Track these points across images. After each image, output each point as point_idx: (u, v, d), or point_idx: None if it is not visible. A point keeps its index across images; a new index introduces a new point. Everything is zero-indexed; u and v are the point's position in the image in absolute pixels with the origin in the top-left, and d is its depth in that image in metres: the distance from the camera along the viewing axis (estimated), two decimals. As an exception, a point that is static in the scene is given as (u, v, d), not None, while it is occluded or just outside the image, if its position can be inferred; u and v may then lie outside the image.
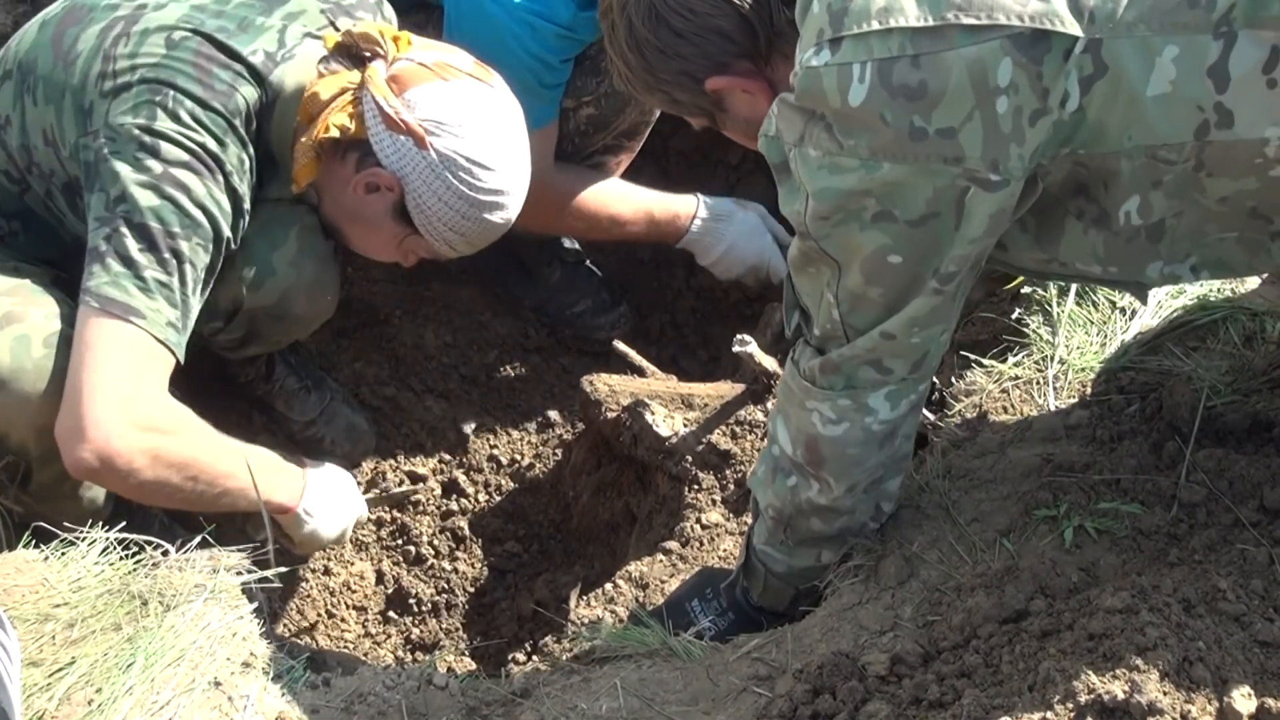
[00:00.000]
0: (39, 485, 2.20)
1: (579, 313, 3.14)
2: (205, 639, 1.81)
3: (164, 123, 2.10)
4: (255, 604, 1.94)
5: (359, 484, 2.75)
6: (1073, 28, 1.56)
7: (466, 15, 2.59)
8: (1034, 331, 2.38)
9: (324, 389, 2.87)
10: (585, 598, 2.48)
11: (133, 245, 2.07)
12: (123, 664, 1.74)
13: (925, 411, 2.27)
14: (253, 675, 1.81)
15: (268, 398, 2.82)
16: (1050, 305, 2.40)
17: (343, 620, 2.78)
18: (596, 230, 2.92)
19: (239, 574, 1.95)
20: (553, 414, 3.07)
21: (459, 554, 2.89)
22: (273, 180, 2.27)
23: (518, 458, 3.01)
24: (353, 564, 2.85)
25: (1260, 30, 1.53)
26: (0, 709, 1.53)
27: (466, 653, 2.71)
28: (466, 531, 2.91)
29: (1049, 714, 1.53)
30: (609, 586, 2.46)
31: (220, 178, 2.13)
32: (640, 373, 2.80)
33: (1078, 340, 2.35)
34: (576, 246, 3.14)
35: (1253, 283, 2.30)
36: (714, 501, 2.56)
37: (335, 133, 2.18)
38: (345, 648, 2.73)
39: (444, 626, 2.81)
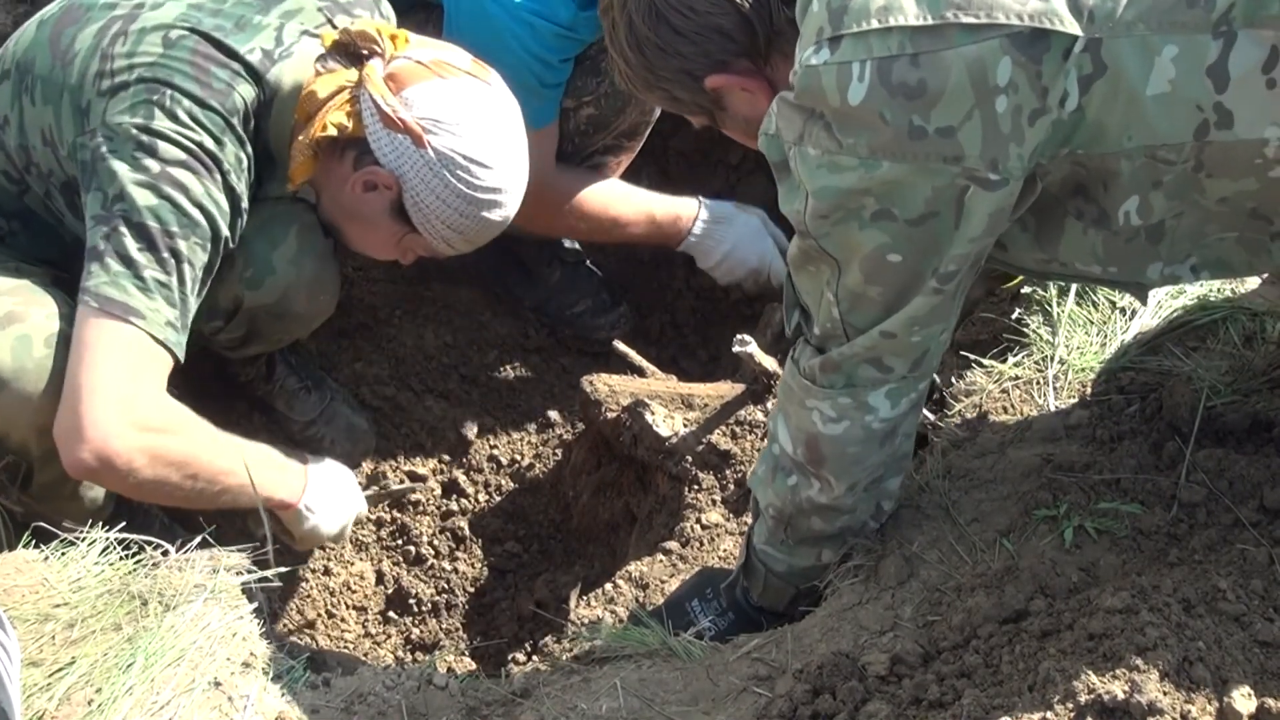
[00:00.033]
0: (40, 485, 2.20)
1: (579, 313, 3.14)
2: (205, 639, 1.81)
3: (161, 122, 2.10)
4: (255, 604, 1.94)
5: (359, 483, 2.75)
6: (1072, 27, 1.56)
7: (466, 14, 2.59)
8: (1034, 331, 2.38)
9: (324, 389, 2.87)
10: (585, 598, 2.48)
11: (131, 245, 2.07)
12: (123, 664, 1.74)
13: (925, 411, 2.27)
14: (253, 675, 1.81)
15: (268, 398, 2.82)
16: (1050, 305, 2.40)
17: (343, 620, 2.78)
18: (598, 232, 2.91)
19: (239, 574, 1.95)
20: (553, 414, 3.07)
21: (459, 554, 2.89)
22: (271, 179, 2.27)
23: (518, 458, 3.01)
24: (353, 564, 2.85)
25: (1260, 30, 1.53)
26: (0, 709, 1.53)
27: (466, 653, 2.71)
28: (466, 531, 2.91)
29: (1049, 714, 1.52)
30: (609, 586, 2.46)
31: (218, 176, 2.13)
32: (640, 373, 2.80)
33: (1078, 340, 2.35)
34: (576, 246, 3.14)
35: (1253, 283, 2.30)
36: (714, 501, 2.56)
37: (333, 131, 2.18)
38: (345, 648, 2.73)
39: (444, 626, 2.81)
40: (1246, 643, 1.61)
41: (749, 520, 2.20)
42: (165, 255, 2.08)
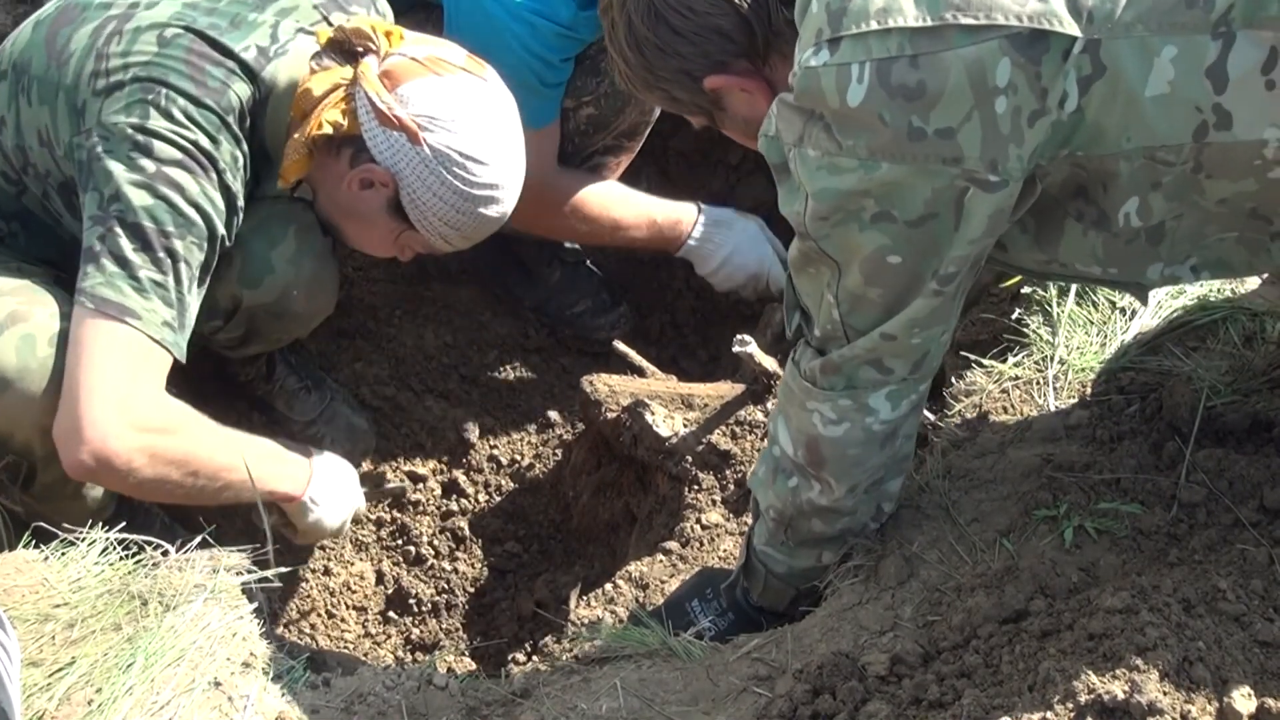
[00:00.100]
0: (42, 485, 2.20)
1: (579, 313, 3.14)
2: (205, 639, 1.81)
3: (157, 121, 2.10)
4: (255, 604, 1.94)
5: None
6: (1071, 28, 1.56)
7: (466, 14, 2.59)
8: (1034, 331, 2.38)
9: (324, 389, 2.87)
10: (585, 598, 2.48)
11: (127, 245, 2.07)
12: (123, 664, 1.74)
13: (925, 411, 2.27)
14: (253, 675, 1.81)
15: (268, 398, 2.82)
16: (1050, 305, 2.40)
17: (343, 620, 2.78)
18: (599, 234, 2.91)
19: (239, 574, 1.95)
20: (553, 414, 3.07)
21: (459, 554, 2.89)
22: (268, 177, 2.27)
23: (518, 458, 3.01)
24: (353, 564, 2.85)
25: (1259, 30, 1.53)
26: (0, 709, 1.53)
27: (466, 653, 2.71)
28: (466, 532, 2.91)
29: (1049, 714, 1.52)
30: (609, 586, 2.46)
31: (214, 175, 2.13)
32: (640, 373, 2.80)
33: (1078, 340, 2.34)
34: (576, 246, 3.14)
35: (1253, 283, 2.30)
36: (714, 502, 2.56)
37: (328, 129, 2.17)
38: (345, 648, 2.73)
39: (444, 626, 2.82)
40: (1246, 643, 1.61)
41: (749, 520, 2.20)
42: (161, 255, 2.08)
